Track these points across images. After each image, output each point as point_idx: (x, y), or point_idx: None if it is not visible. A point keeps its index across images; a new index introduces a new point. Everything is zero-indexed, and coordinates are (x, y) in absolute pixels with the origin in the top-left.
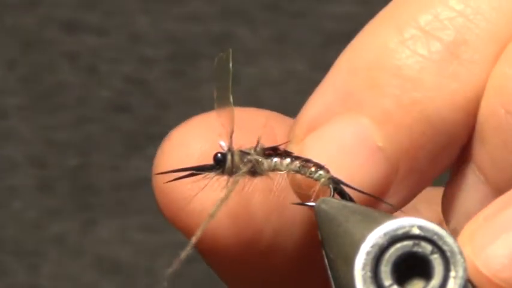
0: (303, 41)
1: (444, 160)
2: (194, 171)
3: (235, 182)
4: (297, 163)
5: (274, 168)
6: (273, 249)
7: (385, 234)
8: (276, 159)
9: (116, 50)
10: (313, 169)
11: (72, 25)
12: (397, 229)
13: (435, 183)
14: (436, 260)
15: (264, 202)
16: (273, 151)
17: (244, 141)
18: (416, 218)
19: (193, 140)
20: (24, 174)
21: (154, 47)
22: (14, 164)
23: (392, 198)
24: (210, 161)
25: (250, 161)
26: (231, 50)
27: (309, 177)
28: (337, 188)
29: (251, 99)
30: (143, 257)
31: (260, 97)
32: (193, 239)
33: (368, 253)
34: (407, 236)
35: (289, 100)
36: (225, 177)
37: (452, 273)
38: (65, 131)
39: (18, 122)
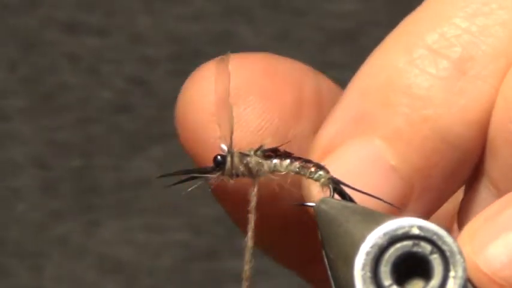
0: (304, 39)
1: (459, 177)
2: (195, 174)
3: (256, 184)
4: (297, 164)
5: (274, 170)
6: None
7: (384, 234)
8: (275, 161)
9: (117, 51)
10: (312, 169)
11: (73, 26)
12: (396, 229)
13: None
14: (436, 260)
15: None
16: (273, 152)
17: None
18: (415, 218)
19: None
20: (27, 176)
21: (156, 47)
22: (17, 165)
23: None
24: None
25: (249, 162)
26: (229, 53)
27: (309, 177)
28: (337, 188)
29: None
30: (146, 257)
31: None
32: (248, 241)
33: (368, 253)
34: (407, 236)
35: None
36: (225, 179)
37: (451, 273)
38: (67, 132)
39: (20, 123)
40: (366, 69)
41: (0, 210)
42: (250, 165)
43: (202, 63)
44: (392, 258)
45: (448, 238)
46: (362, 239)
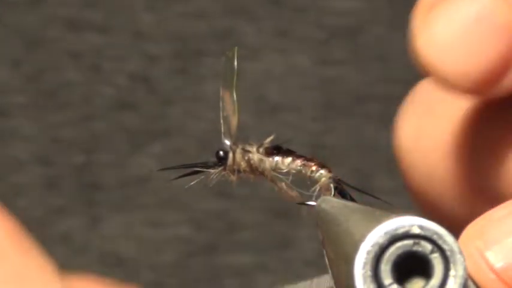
0: (305, 36)
1: None
2: (197, 168)
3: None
4: (299, 162)
5: (276, 167)
6: None
7: (385, 233)
8: (277, 158)
9: (120, 48)
10: (314, 168)
11: (75, 23)
12: (397, 228)
13: None
14: (436, 259)
15: None
16: (275, 150)
17: None
18: (416, 217)
19: None
20: (30, 173)
21: (158, 44)
22: (19, 162)
23: (508, 83)
24: None
25: (251, 159)
26: (236, 48)
27: (310, 176)
28: (338, 187)
29: (255, 94)
30: (147, 252)
31: (264, 92)
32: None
33: (368, 252)
34: (407, 235)
35: (292, 95)
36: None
37: (452, 272)
38: (69, 129)
39: (23, 120)
40: None
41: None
42: (252, 161)
43: (205, 60)
44: (393, 257)
45: (448, 237)
46: (362, 238)
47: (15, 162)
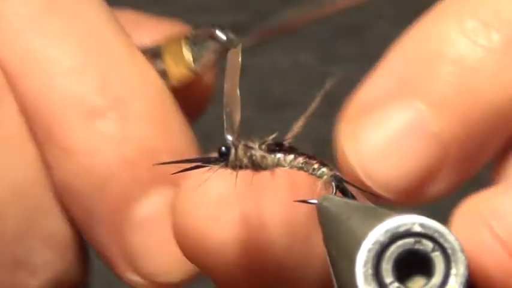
0: (310, 32)
1: (493, 148)
2: (199, 164)
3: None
4: (301, 160)
5: (278, 164)
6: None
7: (386, 231)
8: (279, 155)
9: None
10: (316, 166)
11: None
12: (398, 226)
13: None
14: (437, 258)
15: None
16: (278, 147)
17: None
18: (417, 215)
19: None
20: None
21: None
22: None
23: (441, 184)
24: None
25: (253, 155)
26: (241, 44)
27: (311, 174)
28: (340, 185)
29: (259, 90)
30: None
31: (268, 88)
32: None
33: (369, 250)
34: (408, 234)
35: (296, 91)
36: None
37: (453, 271)
38: None
39: None
40: (413, 36)
41: None
42: (254, 158)
43: None
44: (394, 256)
45: (449, 236)
46: (364, 236)
47: None
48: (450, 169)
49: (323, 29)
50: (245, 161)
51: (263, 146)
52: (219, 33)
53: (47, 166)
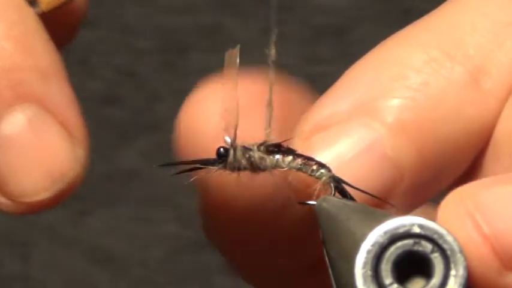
0: (292, 34)
1: (449, 177)
2: (197, 165)
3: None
4: (299, 161)
5: (276, 165)
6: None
7: (385, 232)
8: (278, 156)
9: (107, 42)
10: (314, 167)
11: None
12: (397, 228)
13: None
14: (437, 259)
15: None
16: (276, 148)
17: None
18: (416, 216)
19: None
20: None
21: (145, 39)
22: None
23: (391, 208)
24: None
25: (252, 157)
26: (239, 46)
27: (310, 175)
28: (339, 186)
29: None
30: (135, 248)
31: None
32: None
33: (369, 251)
34: (407, 235)
35: None
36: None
37: (452, 272)
38: None
39: None
40: (375, 59)
41: None
42: (253, 159)
43: (191, 55)
44: (393, 257)
45: (449, 237)
46: (363, 237)
47: None
48: (402, 194)
49: (304, 30)
50: (243, 162)
51: (261, 148)
52: None
53: None
